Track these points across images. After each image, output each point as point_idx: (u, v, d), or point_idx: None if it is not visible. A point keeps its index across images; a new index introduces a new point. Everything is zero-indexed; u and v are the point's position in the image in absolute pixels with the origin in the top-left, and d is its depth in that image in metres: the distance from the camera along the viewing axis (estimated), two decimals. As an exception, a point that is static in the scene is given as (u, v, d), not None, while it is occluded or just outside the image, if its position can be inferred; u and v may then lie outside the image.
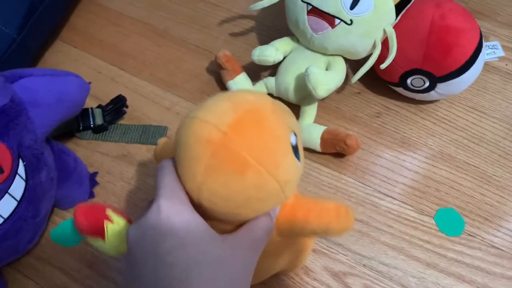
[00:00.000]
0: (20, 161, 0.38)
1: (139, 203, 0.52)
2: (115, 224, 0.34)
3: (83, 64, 0.63)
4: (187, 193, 0.29)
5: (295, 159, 0.30)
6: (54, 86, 0.41)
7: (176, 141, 0.30)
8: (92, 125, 0.55)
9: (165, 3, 0.70)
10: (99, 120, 0.55)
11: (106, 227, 0.33)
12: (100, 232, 0.34)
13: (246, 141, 0.28)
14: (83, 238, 0.37)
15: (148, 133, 0.56)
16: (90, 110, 0.56)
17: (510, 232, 0.51)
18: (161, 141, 0.42)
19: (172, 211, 0.28)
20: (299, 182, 0.52)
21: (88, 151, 0.55)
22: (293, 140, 0.31)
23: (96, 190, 0.53)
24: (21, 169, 0.38)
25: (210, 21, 0.68)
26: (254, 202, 0.29)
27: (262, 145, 0.29)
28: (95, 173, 0.53)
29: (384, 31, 0.52)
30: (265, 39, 0.65)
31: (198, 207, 0.30)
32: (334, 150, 0.54)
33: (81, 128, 0.55)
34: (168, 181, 0.29)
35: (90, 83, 0.48)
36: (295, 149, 0.31)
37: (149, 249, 0.27)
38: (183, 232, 0.27)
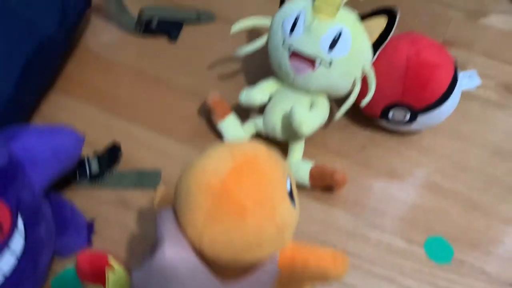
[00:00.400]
0: (19, 217, 0.39)
1: (137, 249, 0.53)
2: (116, 272, 0.35)
3: (78, 113, 0.65)
4: (189, 241, 0.31)
5: (291, 204, 0.32)
6: (50, 142, 0.44)
7: (176, 189, 0.32)
8: (88, 174, 0.57)
9: (154, 50, 0.73)
10: (95, 168, 0.57)
11: (108, 274, 0.35)
12: (101, 280, 0.35)
13: (245, 187, 0.30)
14: (84, 286, 0.39)
15: (143, 178, 0.58)
16: (86, 159, 0.58)
17: (498, 257, 0.52)
18: (160, 190, 0.44)
19: (177, 257, 0.29)
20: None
21: (85, 199, 0.57)
22: (288, 185, 0.33)
23: (94, 237, 0.54)
24: (20, 226, 0.39)
25: (199, 65, 0.71)
26: (254, 248, 0.31)
27: (260, 191, 0.31)
28: (93, 221, 0.55)
29: (363, 70, 0.54)
30: (252, 79, 0.68)
31: (200, 253, 0.31)
32: (323, 185, 0.56)
33: (77, 177, 0.57)
34: (170, 228, 0.31)
35: (84, 135, 0.51)
36: (290, 194, 0.33)
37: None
38: (186, 278, 0.29)
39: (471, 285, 0.50)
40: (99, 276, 0.35)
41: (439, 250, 0.53)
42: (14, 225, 0.38)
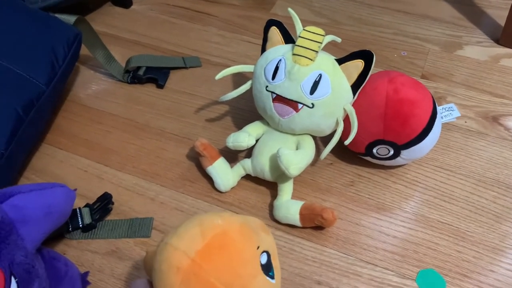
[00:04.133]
0: (13, 278, 0.40)
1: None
2: None
3: (69, 165, 0.66)
4: None
5: (266, 278, 0.33)
6: (42, 200, 0.44)
7: (151, 266, 0.33)
8: (81, 225, 0.57)
9: (142, 98, 0.75)
10: (87, 219, 0.58)
11: None
12: None
13: (214, 266, 0.31)
14: None
15: (135, 226, 0.59)
16: (78, 210, 0.58)
17: (489, 286, 0.53)
18: (149, 252, 0.44)
19: None
20: (286, 259, 0.54)
21: (78, 251, 0.57)
22: (263, 259, 0.33)
23: (89, 289, 0.54)
24: (13, 286, 0.40)
25: (187, 110, 0.72)
26: None
27: (229, 270, 0.31)
28: (87, 273, 0.55)
29: (344, 110, 0.56)
30: (240, 122, 0.70)
31: None
32: (314, 224, 0.57)
33: (70, 229, 0.57)
34: None
35: (75, 190, 0.51)
36: (266, 267, 0.33)
37: None
38: None
39: (465, 317, 0.51)
40: None
41: (431, 283, 0.54)
42: (7, 286, 0.39)
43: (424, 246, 0.56)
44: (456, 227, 0.58)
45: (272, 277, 0.33)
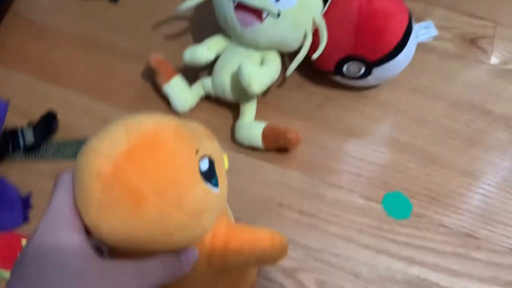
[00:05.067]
0: None
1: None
2: None
3: (11, 82, 0.60)
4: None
5: (207, 186, 0.28)
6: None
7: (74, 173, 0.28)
8: (22, 145, 0.52)
9: (94, 12, 0.67)
10: (29, 139, 0.53)
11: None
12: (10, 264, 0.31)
13: (142, 171, 0.25)
14: None
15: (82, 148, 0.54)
16: (19, 129, 0.53)
17: (457, 209, 0.51)
18: None
19: (46, 234, 0.25)
20: (247, 182, 0.51)
21: (21, 173, 0.52)
22: (203, 165, 0.28)
23: (33, 212, 0.50)
24: None
25: (142, 26, 0.66)
26: (162, 237, 0.27)
27: (160, 175, 0.26)
28: (29, 195, 0.50)
29: (314, 21, 0.51)
30: (200, 38, 0.63)
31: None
32: (277, 146, 0.53)
33: (10, 150, 0.52)
34: (56, 201, 0.27)
35: (8, 100, 0.46)
36: (207, 174, 0.28)
37: (21, 274, 0.24)
38: (52, 254, 0.25)
39: (430, 239, 0.49)
40: (10, 259, 0.32)
41: (397, 206, 0.51)
42: None
43: (392, 169, 0.54)
44: (427, 150, 0.55)
45: (216, 185, 0.29)
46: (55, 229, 0.25)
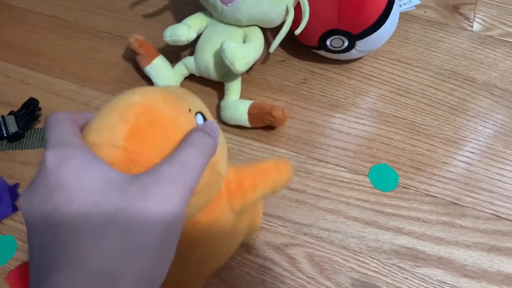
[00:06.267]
0: None
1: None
2: None
3: (-12, 70, 0.58)
4: None
5: None
6: None
7: None
8: (5, 134, 0.52)
9: (70, -8, 0.66)
10: (12, 128, 0.52)
11: None
12: None
13: (152, 146, 0.26)
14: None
15: (68, 134, 0.53)
16: (1, 118, 0.52)
17: (442, 178, 0.52)
18: None
19: (59, 160, 0.22)
20: (233, 161, 0.51)
21: (5, 162, 0.52)
22: (199, 120, 0.29)
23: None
24: None
25: (121, 5, 0.64)
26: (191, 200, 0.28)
27: (169, 143, 0.27)
28: (16, 185, 0.50)
29: (295, -5, 0.50)
30: (181, 17, 0.62)
31: None
32: (263, 123, 0.53)
33: (-7, 139, 0.51)
34: (57, 130, 0.24)
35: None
36: None
37: (36, 212, 0.22)
38: (71, 183, 0.21)
39: (417, 209, 0.50)
40: None
41: (384, 178, 0.52)
42: None
43: (378, 142, 0.54)
44: (411, 121, 0.56)
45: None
46: (68, 156, 0.23)
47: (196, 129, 0.27)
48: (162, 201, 0.22)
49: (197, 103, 0.31)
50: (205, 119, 0.30)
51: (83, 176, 0.22)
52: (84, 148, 0.24)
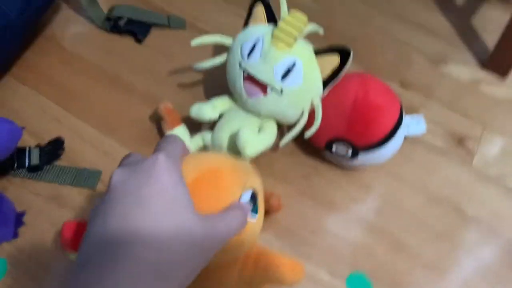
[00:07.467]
0: None
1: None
2: None
3: (29, 102, 0.64)
4: None
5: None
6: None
7: None
8: (27, 165, 0.56)
9: (118, 49, 0.73)
10: (35, 160, 0.57)
11: None
12: None
13: (202, 197, 0.34)
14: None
15: (82, 176, 0.58)
16: (27, 149, 0.57)
17: (414, 300, 0.54)
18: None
19: (166, 166, 0.30)
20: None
21: (20, 190, 0.56)
22: (245, 196, 0.38)
23: (23, 230, 0.54)
24: None
25: (160, 70, 0.71)
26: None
27: (214, 201, 0.35)
28: (23, 213, 0.54)
29: (312, 102, 0.56)
30: (211, 93, 0.69)
31: None
32: (259, 208, 0.57)
33: (15, 166, 0.56)
34: (172, 146, 0.33)
35: (23, 128, 0.50)
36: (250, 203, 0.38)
37: (131, 188, 0.29)
38: (169, 185, 0.30)
39: (383, 325, 0.52)
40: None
41: (359, 287, 0.54)
42: None
43: (362, 250, 0.57)
44: (397, 237, 0.59)
45: (255, 213, 0.39)
46: (173, 168, 0.31)
47: (235, 209, 0.36)
48: (212, 236, 0.32)
49: (256, 182, 0.40)
50: (254, 197, 0.38)
51: (178, 189, 0.31)
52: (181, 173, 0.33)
